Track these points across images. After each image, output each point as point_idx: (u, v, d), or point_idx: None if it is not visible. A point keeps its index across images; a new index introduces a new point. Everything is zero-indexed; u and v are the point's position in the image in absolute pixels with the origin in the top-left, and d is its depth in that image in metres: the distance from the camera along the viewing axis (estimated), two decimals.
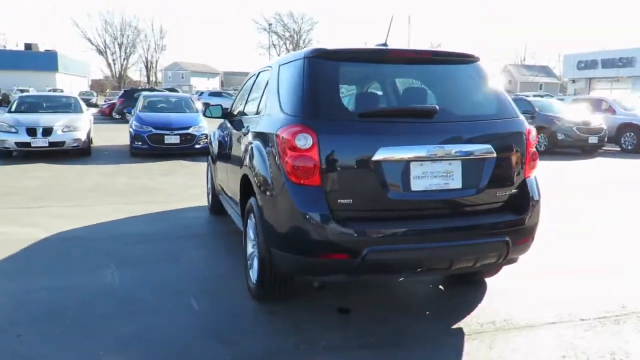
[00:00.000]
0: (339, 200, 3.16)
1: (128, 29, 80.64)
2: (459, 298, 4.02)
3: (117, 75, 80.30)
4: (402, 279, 4.31)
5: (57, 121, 11.96)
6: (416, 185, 3.24)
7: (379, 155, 3.14)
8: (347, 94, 3.66)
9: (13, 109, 13.08)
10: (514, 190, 3.51)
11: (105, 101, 37.41)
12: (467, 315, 3.68)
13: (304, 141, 3.12)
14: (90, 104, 39.82)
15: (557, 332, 3.45)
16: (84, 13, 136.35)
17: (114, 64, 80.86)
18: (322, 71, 3.35)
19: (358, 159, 3.18)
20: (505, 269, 4.47)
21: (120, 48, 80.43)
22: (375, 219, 3.23)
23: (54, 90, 42.05)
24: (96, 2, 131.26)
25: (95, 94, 48.27)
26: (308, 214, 3.12)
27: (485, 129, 3.46)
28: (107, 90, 61.44)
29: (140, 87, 40.57)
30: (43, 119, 12.06)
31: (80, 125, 12.28)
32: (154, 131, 12.31)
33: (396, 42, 4.07)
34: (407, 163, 3.21)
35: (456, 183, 3.32)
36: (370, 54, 3.58)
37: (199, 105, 15.94)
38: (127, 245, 5.29)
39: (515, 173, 3.52)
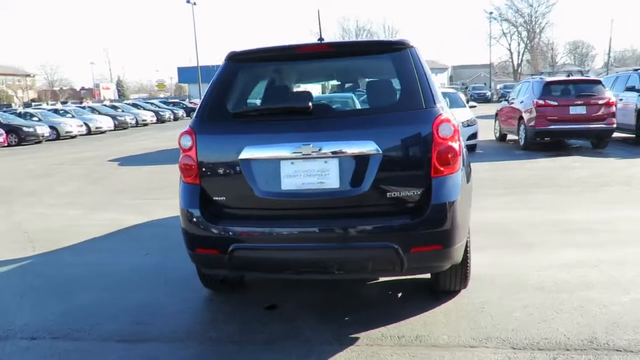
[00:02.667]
0: (214, 198, 3.29)
1: (362, 33, 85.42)
2: (402, 307, 3.67)
3: None
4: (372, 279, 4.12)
5: None
6: (287, 184, 3.15)
7: (244, 154, 3.16)
8: (243, 94, 3.66)
9: None
10: (413, 192, 3.10)
11: None
12: (383, 327, 3.38)
13: (186, 141, 3.33)
14: None
15: (458, 357, 2.96)
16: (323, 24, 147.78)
17: None
18: (224, 74, 3.49)
19: (228, 158, 3.24)
20: (500, 280, 3.95)
21: None
22: (246, 217, 3.25)
23: None
24: (335, 11, 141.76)
25: None
26: (187, 210, 3.33)
27: (371, 123, 3.14)
28: None
29: None
30: None
31: None
32: None
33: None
34: (275, 162, 3.15)
35: (333, 183, 3.11)
36: (277, 52, 3.53)
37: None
38: None
39: (415, 172, 3.11)
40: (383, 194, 3.10)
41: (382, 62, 3.39)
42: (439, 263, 3.23)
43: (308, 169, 3.12)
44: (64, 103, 46.81)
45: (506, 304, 3.63)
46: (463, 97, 14.25)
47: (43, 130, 22.36)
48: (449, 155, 3.10)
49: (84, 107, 31.13)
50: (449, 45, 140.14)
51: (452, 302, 3.71)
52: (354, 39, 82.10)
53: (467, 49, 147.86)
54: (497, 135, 15.05)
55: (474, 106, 16.02)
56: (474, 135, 12.52)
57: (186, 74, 62.28)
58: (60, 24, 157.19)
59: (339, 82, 3.56)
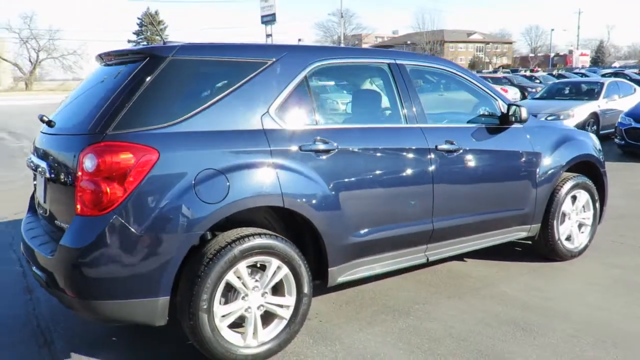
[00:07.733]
0: None
1: None
2: None
3: None
4: None
5: None
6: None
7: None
8: None
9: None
10: (66, 225, 2.82)
11: None
12: None
13: None
14: None
15: None
16: None
17: None
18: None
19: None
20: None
21: None
22: None
23: None
24: None
25: None
26: None
27: (51, 143, 3.11)
28: None
29: None
30: None
31: None
32: (634, 124, 9.86)
33: None
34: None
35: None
36: (101, 57, 3.45)
37: None
38: None
39: (68, 203, 2.82)
40: (52, 219, 3.06)
41: (122, 74, 3.00)
42: (89, 315, 2.82)
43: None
44: (530, 70, 47.43)
45: None
46: None
47: None
48: (87, 193, 2.68)
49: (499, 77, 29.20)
50: None
51: None
52: None
53: None
54: None
55: None
56: None
57: None
58: None
59: None
